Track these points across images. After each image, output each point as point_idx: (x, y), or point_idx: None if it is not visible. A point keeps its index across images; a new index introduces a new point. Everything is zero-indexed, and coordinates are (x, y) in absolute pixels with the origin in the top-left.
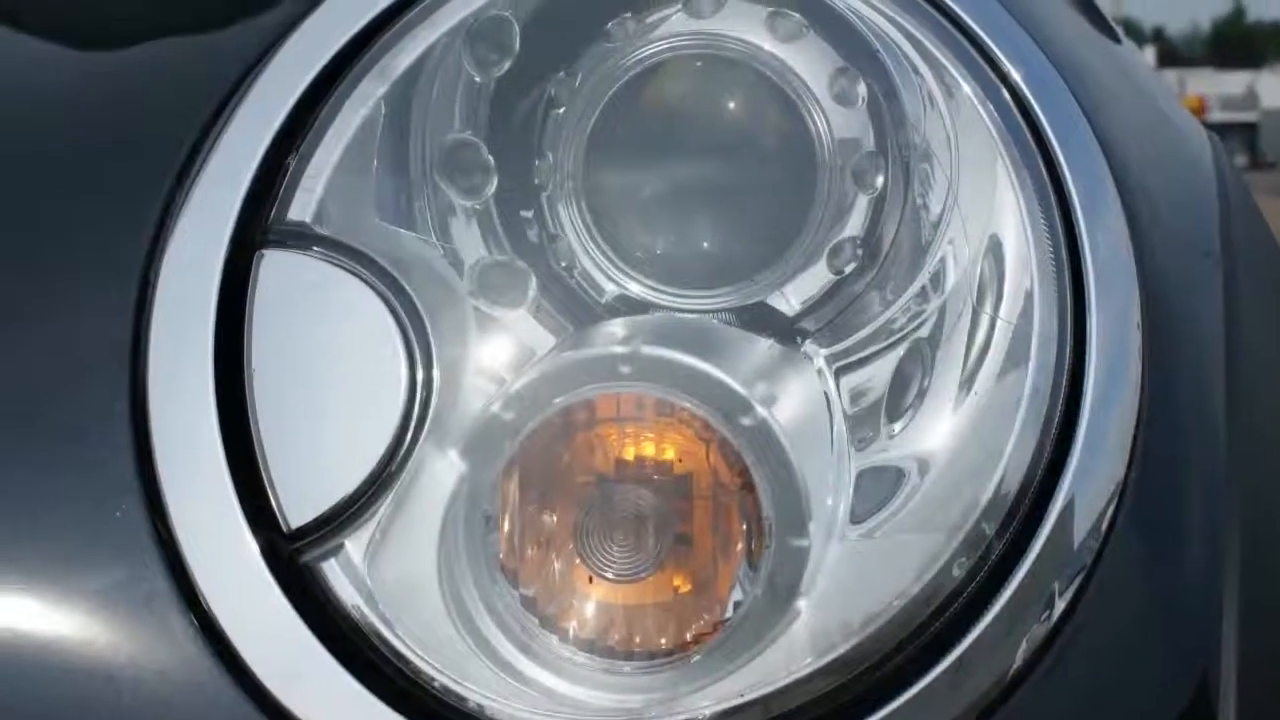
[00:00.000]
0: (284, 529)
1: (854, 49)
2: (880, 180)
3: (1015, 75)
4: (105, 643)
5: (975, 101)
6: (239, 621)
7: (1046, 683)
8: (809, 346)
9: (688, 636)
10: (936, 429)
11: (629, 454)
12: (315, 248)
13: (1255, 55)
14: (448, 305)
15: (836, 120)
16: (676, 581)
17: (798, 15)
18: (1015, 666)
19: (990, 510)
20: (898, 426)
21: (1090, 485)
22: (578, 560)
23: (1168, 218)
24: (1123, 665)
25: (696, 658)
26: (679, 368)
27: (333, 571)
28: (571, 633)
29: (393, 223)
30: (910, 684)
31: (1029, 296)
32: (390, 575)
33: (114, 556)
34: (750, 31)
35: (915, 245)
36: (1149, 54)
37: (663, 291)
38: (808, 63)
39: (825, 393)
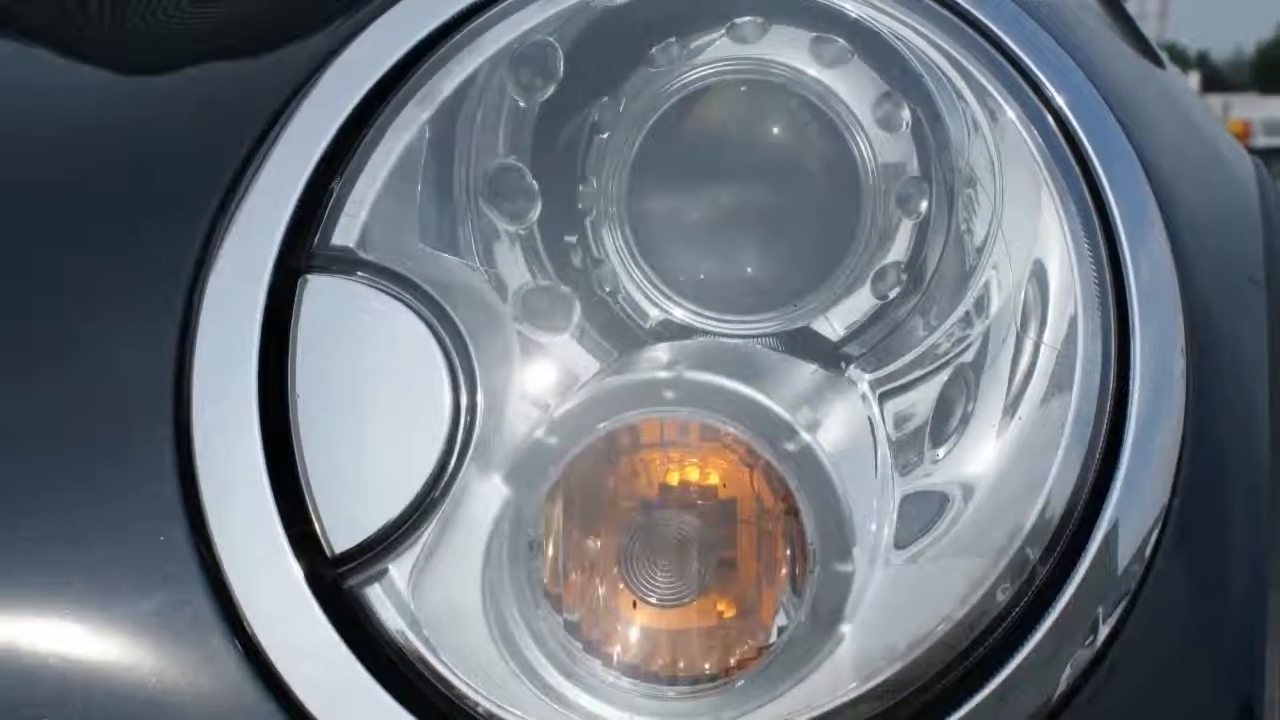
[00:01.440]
0: (328, 554)
1: (898, 74)
2: (924, 205)
3: (1059, 100)
4: (149, 667)
5: (1019, 126)
6: (283, 646)
7: (1091, 707)
8: (853, 371)
9: (731, 661)
10: (980, 454)
11: (673, 479)
12: (359, 273)
13: None
14: (492, 330)
15: (880, 145)
16: (720, 606)
17: (842, 40)
18: (1059, 691)
19: (1034, 535)
20: (941, 451)
21: (1134, 510)
22: (622, 585)
23: (1212, 242)
24: (1166, 690)
25: (740, 683)
26: (723, 393)
27: (377, 596)
28: (615, 657)
29: (437, 248)
30: (954, 708)
31: (1073, 322)
32: (434, 600)
33: (158, 581)
34: (794, 56)
35: (959, 270)
36: (1193, 79)
37: (707, 316)
38: (852, 88)
39: (869, 418)
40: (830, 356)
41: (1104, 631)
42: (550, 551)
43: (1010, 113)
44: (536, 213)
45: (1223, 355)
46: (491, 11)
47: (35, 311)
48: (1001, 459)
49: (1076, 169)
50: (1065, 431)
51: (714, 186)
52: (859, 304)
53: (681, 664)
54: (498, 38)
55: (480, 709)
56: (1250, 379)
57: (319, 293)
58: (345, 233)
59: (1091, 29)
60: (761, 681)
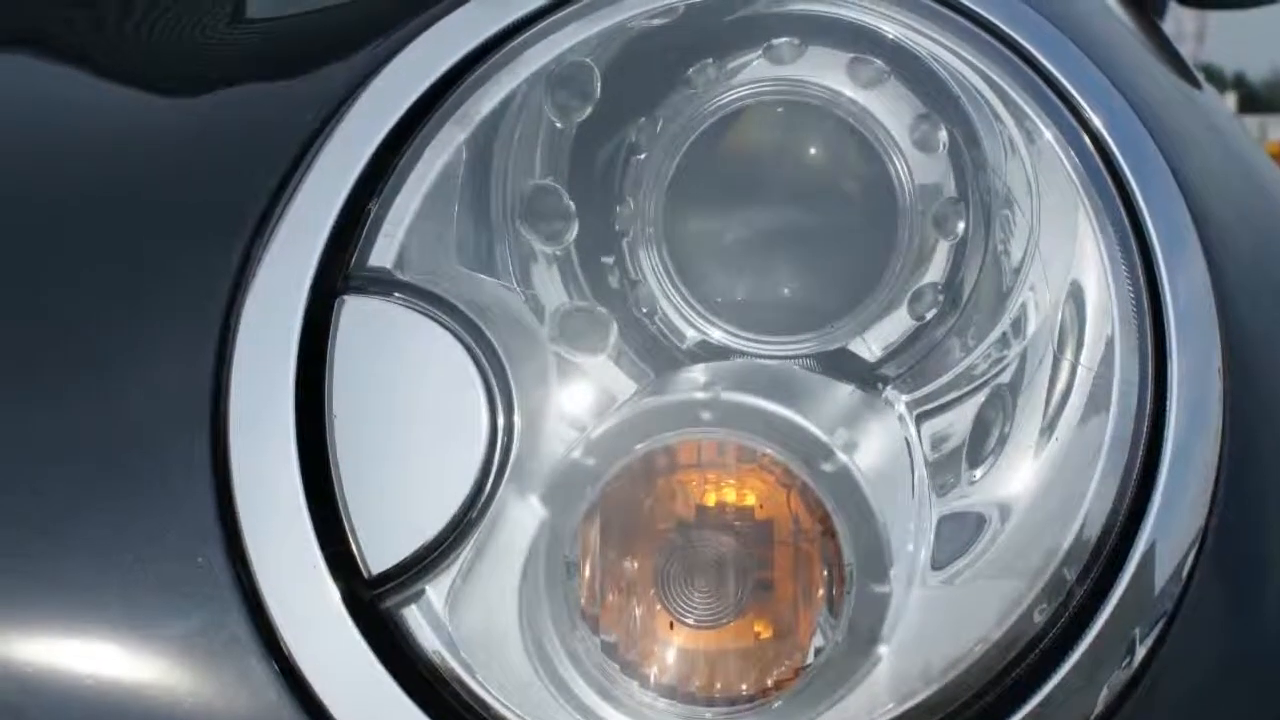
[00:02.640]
0: (365, 575)
1: (935, 95)
2: (961, 226)
3: (1096, 121)
4: (186, 689)
5: (1056, 147)
6: (320, 668)
7: None
8: (890, 392)
9: (769, 682)
10: (1018, 475)
11: (710, 500)
12: (396, 293)
13: None
14: (529, 351)
15: (918, 166)
16: (757, 627)
17: (879, 61)
18: (1096, 713)
19: (1071, 556)
20: (979, 472)
21: (1171, 531)
22: (659, 606)
23: (1249, 263)
24: (1204, 712)
25: (777, 704)
26: (760, 414)
27: (414, 617)
28: (652, 678)
29: (474, 268)
30: None
31: (1110, 343)
32: (471, 621)
33: (195, 602)
34: (831, 77)
35: (996, 291)
36: (1230, 100)
37: (744, 337)
38: (889, 109)
39: (906, 439)
40: (867, 377)
41: (1141, 653)
42: (587, 572)
43: (1047, 134)
44: (573, 234)
45: (1260, 375)
46: (529, 33)
47: (71, 332)
48: (1038, 480)
49: (1113, 190)
50: (1102, 452)
51: (751, 207)
52: (896, 325)
53: (719, 685)
54: (535, 59)
55: None
56: None
57: (356, 313)
58: (382, 253)
59: (1128, 51)
60: (798, 702)
